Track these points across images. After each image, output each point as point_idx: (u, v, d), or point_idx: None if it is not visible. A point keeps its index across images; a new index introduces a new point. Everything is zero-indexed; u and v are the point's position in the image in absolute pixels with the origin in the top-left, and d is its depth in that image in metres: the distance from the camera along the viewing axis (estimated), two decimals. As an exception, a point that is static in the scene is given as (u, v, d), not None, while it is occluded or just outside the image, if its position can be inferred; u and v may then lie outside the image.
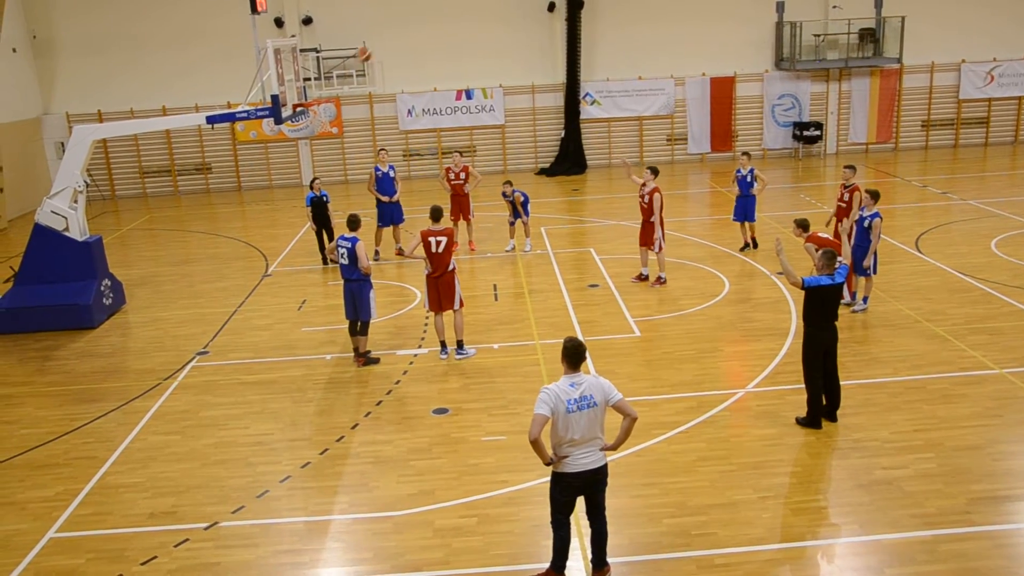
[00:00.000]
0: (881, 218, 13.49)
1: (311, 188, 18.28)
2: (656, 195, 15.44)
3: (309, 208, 18.11)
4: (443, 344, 12.80)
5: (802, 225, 12.69)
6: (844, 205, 14.75)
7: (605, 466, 7.23)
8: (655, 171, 15.77)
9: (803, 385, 10.17)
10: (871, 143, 30.87)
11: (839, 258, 10.04)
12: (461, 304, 12.69)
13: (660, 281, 15.79)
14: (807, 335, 9.99)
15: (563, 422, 6.92)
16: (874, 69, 30.03)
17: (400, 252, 18.47)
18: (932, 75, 30.37)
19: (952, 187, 23.83)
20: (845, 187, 14.81)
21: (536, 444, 6.87)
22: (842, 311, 13.12)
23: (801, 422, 10.19)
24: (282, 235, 21.61)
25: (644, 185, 15.57)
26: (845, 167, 15.18)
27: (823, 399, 10.14)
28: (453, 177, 18.60)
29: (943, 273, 15.79)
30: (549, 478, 7.30)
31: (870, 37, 29.58)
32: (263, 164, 29.34)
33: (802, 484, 9.01)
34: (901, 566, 7.58)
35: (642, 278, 16.03)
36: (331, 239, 17.50)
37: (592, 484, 7.23)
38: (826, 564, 7.81)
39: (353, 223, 12.40)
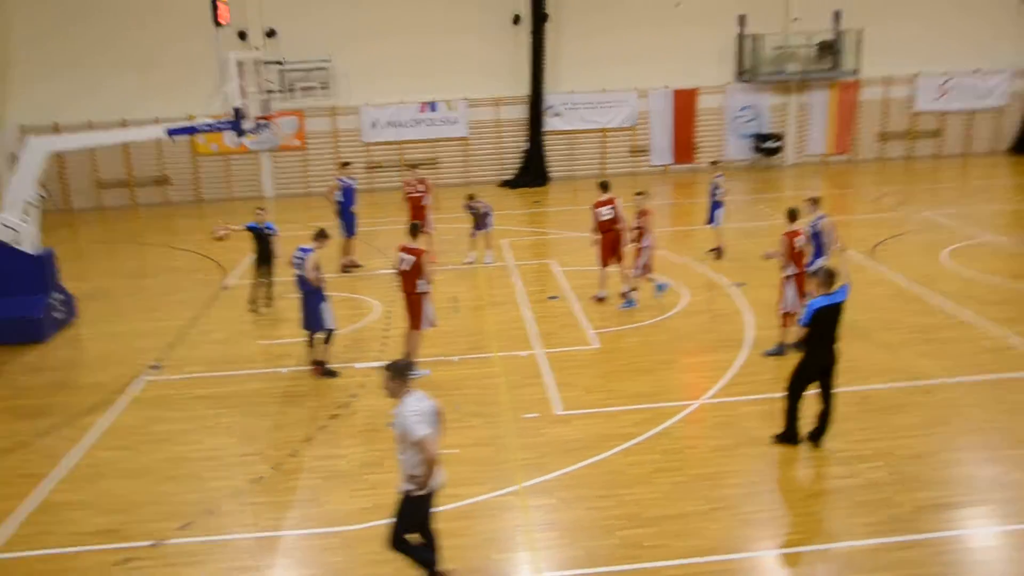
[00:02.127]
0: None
1: (256, 217, 16.16)
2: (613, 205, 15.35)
3: (253, 236, 15.92)
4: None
5: (792, 216, 12.71)
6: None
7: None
8: (605, 186, 15.73)
9: (766, 395, 10.23)
10: (829, 154, 31.27)
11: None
12: (431, 324, 12.53)
13: (627, 296, 15.69)
14: (806, 354, 9.76)
15: (437, 438, 7.06)
16: (832, 81, 30.45)
17: (344, 268, 18.38)
18: (888, 87, 30.85)
19: (906, 198, 24.18)
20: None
21: (435, 463, 6.96)
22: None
23: (779, 439, 10.02)
24: (241, 247, 21.32)
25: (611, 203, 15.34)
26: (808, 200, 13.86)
27: (816, 420, 9.89)
28: (411, 191, 18.63)
29: (896, 284, 16.01)
30: (409, 503, 7.25)
31: (829, 50, 29.99)
32: (224, 176, 29.14)
33: (753, 495, 9.09)
34: (847, 575, 7.67)
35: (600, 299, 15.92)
36: (270, 280, 15.92)
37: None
38: (773, 574, 7.87)
39: (318, 235, 12.53)
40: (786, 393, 9.87)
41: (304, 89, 28.07)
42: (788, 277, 12.58)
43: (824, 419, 9.85)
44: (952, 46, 30.52)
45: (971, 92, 31.13)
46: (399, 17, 28.48)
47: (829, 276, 9.53)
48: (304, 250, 12.34)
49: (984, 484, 9.15)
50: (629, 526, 8.56)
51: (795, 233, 12.57)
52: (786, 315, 12.68)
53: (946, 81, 30.89)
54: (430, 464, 6.91)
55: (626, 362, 12.92)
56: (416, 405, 7.01)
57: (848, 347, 12.89)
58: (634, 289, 15.41)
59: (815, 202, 13.65)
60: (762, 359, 12.70)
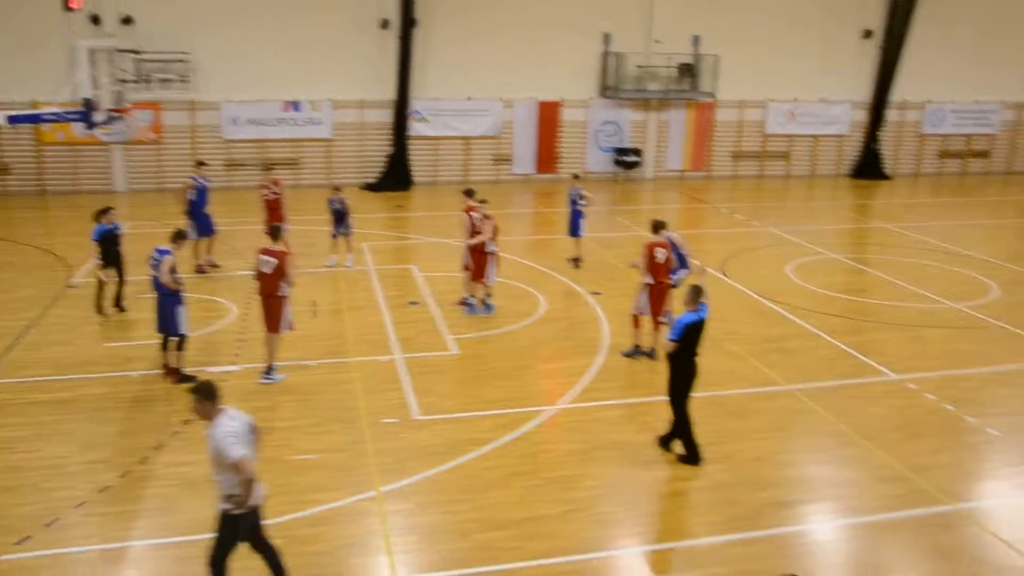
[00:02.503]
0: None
1: (100, 219, 15.06)
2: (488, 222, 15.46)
3: (98, 244, 14.94)
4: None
5: (657, 227, 13.28)
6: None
7: None
8: (471, 193, 15.95)
9: (608, 403, 10.56)
10: (686, 170, 32.47)
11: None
12: (290, 328, 12.40)
13: (467, 304, 15.82)
14: (676, 371, 9.92)
15: (253, 456, 6.92)
16: (690, 102, 31.63)
17: (200, 269, 17.90)
18: (742, 110, 32.31)
19: (756, 215, 25.38)
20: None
21: (254, 483, 6.83)
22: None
23: (681, 459, 10.08)
24: (88, 244, 20.50)
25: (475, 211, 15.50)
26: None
27: (668, 426, 10.15)
28: (266, 193, 18.34)
29: (744, 295, 16.79)
30: (229, 521, 7.07)
31: (688, 72, 31.17)
32: (71, 168, 27.78)
33: (605, 497, 9.38)
34: (690, 570, 8.03)
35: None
36: (122, 279, 15.39)
37: (260, 513, 7.25)
38: (624, 573, 8.16)
39: (175, 235, 12.24)
40: (675, 416, 10.04)
41: (162, 81, 27.08)
42: (645, 285, 13.12)
43: (675, 426, 10.19)
44: (800, 75, 32.28)
45: (817, 119, 33.03)
46: (264, 13, 27.87)
47: (696, 293, 9.86)
48: (161, 251, 11.95)
49: (818, 483, 9.75)
50: (485, 529, 8.70)
51: (655, 244, 13.07)
52: (635, 317, 13.33)
53: (793, 107, 32.62)
54: (248, 484, 6.77)
55: (484, 368, 13.09)
56: (229, 425, 6.83)
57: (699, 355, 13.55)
58: (488, 295, 15.59)
59: (662, 225, 14.10)
60: (616, 366, 13.10)
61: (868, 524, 8.92)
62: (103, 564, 8.06)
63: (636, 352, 13.44)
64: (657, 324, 13.38)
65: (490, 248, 15.25)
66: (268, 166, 20.52)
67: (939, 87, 33.78)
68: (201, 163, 18.91)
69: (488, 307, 15.57)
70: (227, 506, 6.94)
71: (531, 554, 8.26)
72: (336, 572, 7.98)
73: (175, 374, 12.24)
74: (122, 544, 8.40)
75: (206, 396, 6.88)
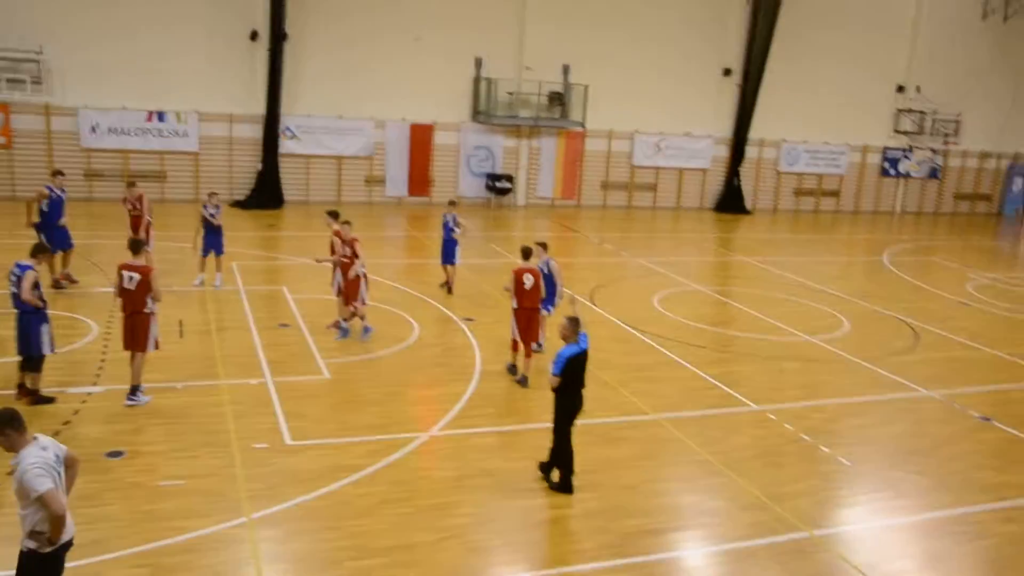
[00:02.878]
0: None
1: None
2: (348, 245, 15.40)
3: None
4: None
5: (526, 253, 13.87)
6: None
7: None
8: (335, 215, 15.88)
9: (481, 429, 10.66)
10: (556, 198, 33.10)
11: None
12: (156, 347, 12.03)
13: (340, 328, 15.75)
14: (561, 403, 10.03)
15: (61, 488, 6.39)
16: (561, 130, 32.35)
17: (57, 283, 17.05)
18: (610, 140, 33.24)
19: (625, 245, 26.11)
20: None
21: (63, 518, 6.31)
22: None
23: (554, 487, 10.16)
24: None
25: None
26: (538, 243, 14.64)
27: (548, 454, 10.23)
28: (131, 209, 17.74)
29: (612, 325, 17.24)
30: (36, 561, 6.47)
31: (558, 100, 31.90)
32: (-88, 172, 26.12)
33: (479, 524, 9.43)
34: (564, 600, 8.19)
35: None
36: None
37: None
38: (498, 601, 8.24)
39: (36, 249, 11.73)
40: (554, 443, 10.16)
41: (10, 81, 25.80)
42: (513, 310, 13.56)
43: (555, 455, 10.29)
44: (665, 109, 33.58)
45: (681, 152, 34.34)
46: (126, 17, 27.02)
47: (575, 325, 10.01)
48: (22, 266, 11.35)
49: (685, 511, 10.08)
50: (358, 557, 8.61)
51: (524, 270, 13.46)
52: (514, 341, 13.72)
53: (660, 140, 33.79)
54: (57, 520, 6.26)
55: (357, 393, 12.97)
56: (36, 456, 6.23)
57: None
58: (354, 317, 15.44)
59: (544, 246, 14.52)
60: (489, 392, 13.21)
61: (732, 551, 9.28)
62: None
63: (512, 369, 13.89)
64: (528, 351, 13.67)
65: (360, 270, 15.16)
66: (131, 181, 19.72)
67: (793, 127, 35.69)
68: (58, 172, 18.04)
69: (366, 329, 15.43)
70: (32, 544, 6.39)
71: (406, 583, 8.24)
72: (204, 604, 7.75)
73: (31, 395, 11.62)
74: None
75: (6, 425, 6.23)
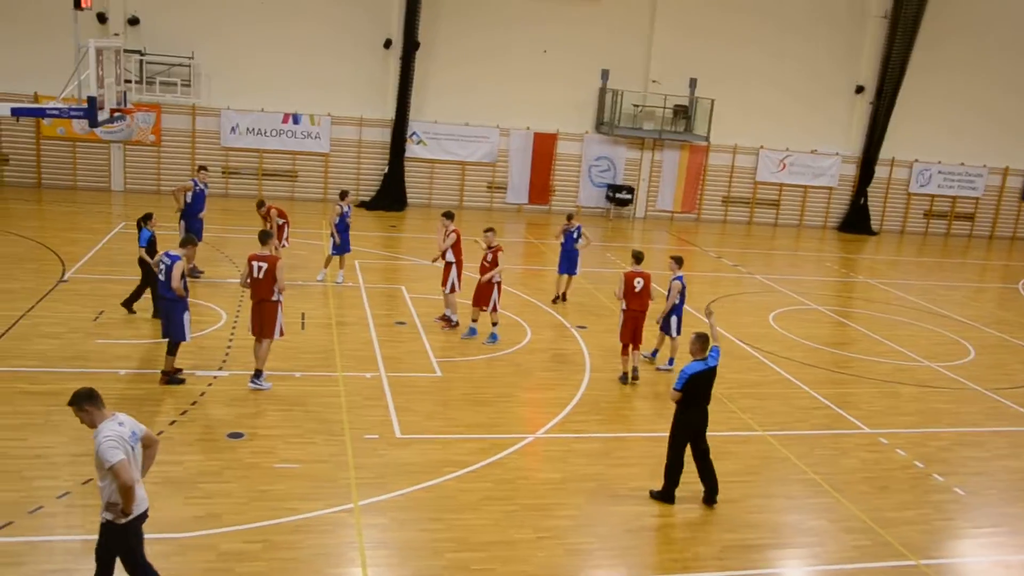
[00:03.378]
0: (681, 282, 14.58)
1: (145, 225, 15.04)
2: (451, 236, 15.90)
3: (145, 250, 14.91)
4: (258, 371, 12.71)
5: (637, 257, 14.49)
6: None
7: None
8: (450, 215, 16.29)
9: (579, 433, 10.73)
10: (676, 211, 32.90)
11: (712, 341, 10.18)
12: (281, 334, 12.63)
13: (448, 322, 16.21)
14: (678, 416, 10.05)
15: (133, 462, 6.76)
16: (684, 143, 32.12)
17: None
18: (734, 155, 32.82)
19: (743, 261, 25.79)
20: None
21: (132, 490, 6.64)
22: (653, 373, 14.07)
23: (655, 496, 10.25)
24: (83, 240, 20.69)
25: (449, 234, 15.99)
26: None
27: (701, 483, 10.20)
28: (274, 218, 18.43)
29: (726, 340, 17.07)
30: (112, 532, 6.86)
31: (683, 114, 31.70)
32: (69, 162, 27.94)
33: (579, 527, 9.58)
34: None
35: (443, 319, 16.43)
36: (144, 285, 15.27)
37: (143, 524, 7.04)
38: (592, 602, 8.36)
39: (185, 240, 12.50)
40: (668, 455, 10.20)
41: (164, 84, 27.38)
42: (622, 311, 14.13)
43: (708, 478, 10.22)
44: (792, 125, 32.89)
45: (807, 170, 33.59)
46: (270, 24, 28.26)
47: (703, 342, 9.99)
48: (172, 256, 12.12)
49: (786, 529, 9.98)
50: (459, 549, 8.88)
51: (635, 274, 14.02)
52: (624, 345, 14.19)
53: (785, 157, 33.17)
54: (125, 491, 6.59)
55: (466, 392, 13.29)
56: (112, 430, 6.67)
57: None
58: (488, 321, 15.86)
59: (679, 261, 14.92)
60: (596, 399, 13.33)
61: (831, 572, 9.16)
62: (84, 554, 8.16)
63: (624, 378, 14.23)
64: (636, 348, 14.23)
65: (497, 278, 15.57)
66: (260, 200, 19.91)
67: (927, 147, 34.44)
68: (202, 167, 19.10)
69: (493, 336, 15.77)
70: (109, 515, 6.78)
71: (503, 577, 8.46)
72: (311, 581, 8.15)
73: (164, 375, 12.38)
74: (102, 538, 8.51)
75: (85, 401, 6.74)
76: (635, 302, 14.05)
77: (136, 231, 15.29)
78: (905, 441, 12.75)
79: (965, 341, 18.74)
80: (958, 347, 18.28)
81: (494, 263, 15.48)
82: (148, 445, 7.10)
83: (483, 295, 15.56)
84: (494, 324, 15.79)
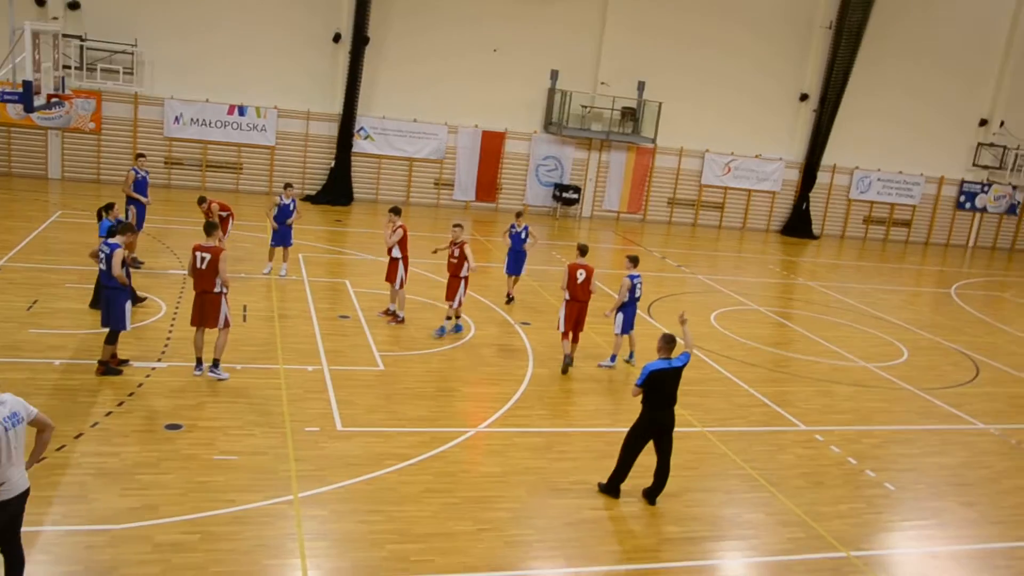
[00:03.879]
0: (631, 280, 14.68)
1: (105, 215, 14.61)
2: (398, 231, 15.89)
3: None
4: (199, 360, 12.54)
5: (581, 250, 15.00)
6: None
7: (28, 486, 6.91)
8: (397, 211, 16.25)
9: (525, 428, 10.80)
10: (622, 212, 33.17)
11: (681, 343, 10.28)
12: (227, 325, 12.50)
13: (393, 317, 16.22)
14: (643, 416, 10.10)
15: (5, 444, 6.52)
16: (631, 145, 32.41)
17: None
18: (680, 158, 33.20)
19: (687, 262, 26.10)
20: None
21: None
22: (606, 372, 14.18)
23: (603, 488, 10.32)
24: (18, 228, 20.22)
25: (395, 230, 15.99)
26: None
27: (653, 477, 10.24)
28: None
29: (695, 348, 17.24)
30: None
31: (631, 116, 31.97)
32: (3, 148, 27.22)
33: (518, 519, 9.62)
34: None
35: (388, 313, 16.42)
36: None
37: (21, 507, 6.87)
38: (530, 594, 8.41)
39: (121, 228, 12.28)
40: (621, 448, 10.26)
41: (105, 71, 26.83)
42: (565, 301, 14.63)
43: (659, 477, 10.25)
44: (738, 130, 33.41)
45: (752, 174, 34.14)
46: (217, 13, 27.88)
47: (668, 342, 10.03)
48: (112, 245, 11.92)
49: (723, 522, 10.13)
50: (398, 541, 8.87)
51: (578, 266, 14.59)
52: (563, 332, 14.73)
53: (731, 161, 33.66)
54: None
55: (409, 386, 13.26)
56: None
57: (622, 392, 13.96)
58: (457, 316, 16.17)
59: (634, 261, 15.10)
60: (538, 394, 13.41)
61: (767, 564, 9.33)
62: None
63: (567, 360, 14.61)
64: (576, 338, 14.85)
65: (465, 274, 15.66)
66: (201, 197, 19.52)
67: (867, 155, 35.21)
68: (140, 155, 18.79)
69: (457, 327, 16.09)
70: None
71: (442, 568, 8.46)
72: (249, 571, 8.06)
73: (102, 365, 12.16)
74: (32, 528, 8.32)
75: None
76: (578, 292, 14.55)
77: (96, 221, 14.94)
78: (840, 438, 13.03)
79: (899, 343, 19.19)
80: (893, 348, 18.72)
81: (461, 259, 15.55)
82: (42, 429, 6.90)
83: (453, 291, 15.69)
84: (449, 318, 15.85)
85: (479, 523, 9.39)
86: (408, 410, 12.27)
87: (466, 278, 15.70)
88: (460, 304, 15.82)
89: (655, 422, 10.06)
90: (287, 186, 18.64)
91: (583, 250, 15.03)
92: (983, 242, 38.13)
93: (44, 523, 8.48)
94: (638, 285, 14.88)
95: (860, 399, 15.11)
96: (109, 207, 14.75)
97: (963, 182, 36.80)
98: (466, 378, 14.00)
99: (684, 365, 10.06)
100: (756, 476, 11.36)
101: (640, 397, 10.05)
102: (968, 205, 37.22)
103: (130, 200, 17.76)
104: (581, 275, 14.51)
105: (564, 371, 14.47)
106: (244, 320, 15.28)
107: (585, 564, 8.87)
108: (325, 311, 16.48)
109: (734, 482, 11.19)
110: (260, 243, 20.34)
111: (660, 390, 9.94)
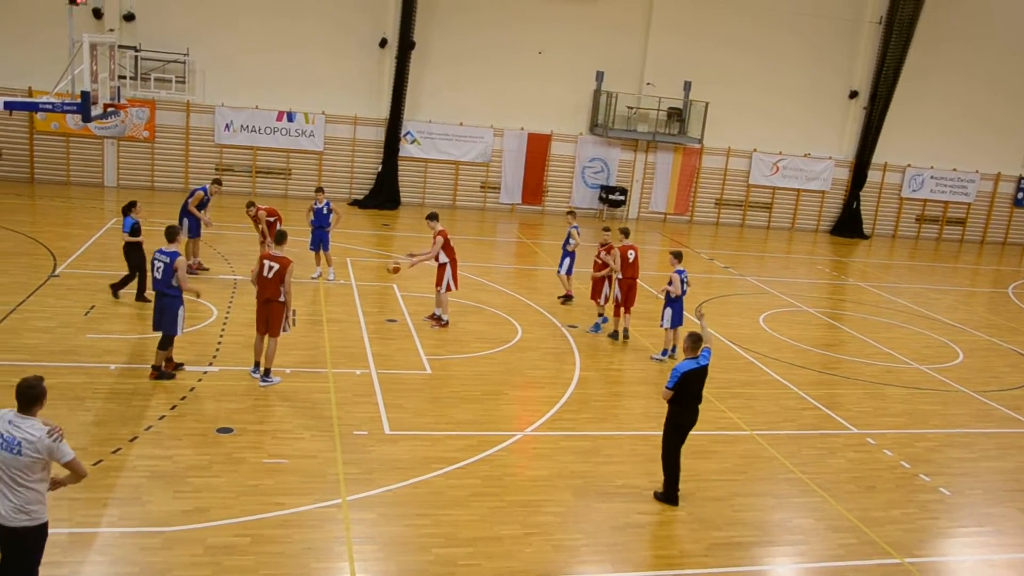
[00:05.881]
0: (680, 275, 14.91)
1: (129, 213, 15.47)
2: (439, 238, 15.91)
3: (130, 235, 15.47)
4: (257, 363, 12.75)
5: (625, 232, 16.56)
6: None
7: (25, 528, 6.37)
8: (435, 216, 16.28)
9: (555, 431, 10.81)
10: (669, 213, 32.97)
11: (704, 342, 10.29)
12: (286, 330, 12.71)
13: (438, 321, 16.25)
14: (671, 415, 10.09)
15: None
16: (678, 146, 32.21)
17: (191, 269, 17.94)
18: (727, 158, 32.92)
19: (735, 263, 25.87)
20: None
21: None
22: (648, 364, 14.14)
23: (659, 497, 10.26)
24: (76, 235, 20.68)
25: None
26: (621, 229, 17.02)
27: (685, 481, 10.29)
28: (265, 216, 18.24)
29: (715, 340, 17.12)
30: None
31: (677, 116, 31.77)
32: (62, 158, 27.90)
33: (565, 523, 9.62)
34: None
35: (433, 318, 16.47)
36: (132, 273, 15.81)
37: (17, 545, 6.42)
38: (577, 598, 8.40)
39: (170, 233, 12.40)
40: (663, 456, 10.25)
41: (159, 80, 27.35)
42: (618, 280, 16.24)
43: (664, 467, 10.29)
44: (786, 129, 33.01)
45: (800, 173, 33.70)
46: (265, 21, 28.27)
47: (695, 341, 10.07)
48: (170, 254, 12.13)
49: (772, 528, 10.03)
50: (445, 544, 8.91)
51: (627, 247, 16.20)
52: (616, 306, 16.42)
53: (779, 160, 33.28)
54: None
55: (456, 390, 13.31)
56: None
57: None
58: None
59: (678, 256, 15.55)
60: (585, 398, 13.39)
61: (818, 569, 9.22)
62: (71, 547, 8.19)
63: (615, 335, 16.36)
64: (628, 312, 16.39)
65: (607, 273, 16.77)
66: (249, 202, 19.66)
67: (920, 152, 34.58)
68: (217, 182, 18.60)
69: (596, 326, 17.04)
70: None
71: (489, 572, 8.48)
72: (298, 574, 8.16)
73: (155, 370, 12.39)
74: (90, 529, 8.53)
75: (15, 394, 6.53)
76: (629, 270, 16.20)
77: (120, 218, 15.36)
78: (892, 442, 12.82)
79: (954, 344, 18.83)
80: (947, 350, 18.37)
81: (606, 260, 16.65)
82: (74, 471, 6.78)
83: (598, 287, 17.06)
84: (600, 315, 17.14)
85: (526, 527, 9.40)
86: (456, 414, 12.33)
87: (610, 278, 16.64)
88: (606, 302, 16.87)
89: (684, 420, 10.09)
90: (318, 190, 18.88)
91: (626, 232, 16.66)
92: (1043, 240, 37.23)
93: (100, 525, 8.67)
94: (685, 280, 15.18)
95: (913, 401, 14.86)
96: (132, 205, 15.14)
97: (1020, 179, 35.96)
98: (513, 381, 14.02)
99: (709, 363, 10.15)
100: (806, 480, 11.22)
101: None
102: (1027, 202, 36.37)
103: (187, 214, 17.92)
104: (631, 255, 16.19)
105: (622, 338, 16.28)
106: (293, 324, 15.42)
107: (632, 569, 8.84)
108: (373, 315, 16.61)
109: (783, 486, 11.07)
110: (307, 247, 20.53)
111: (690, 390, 9.97)
